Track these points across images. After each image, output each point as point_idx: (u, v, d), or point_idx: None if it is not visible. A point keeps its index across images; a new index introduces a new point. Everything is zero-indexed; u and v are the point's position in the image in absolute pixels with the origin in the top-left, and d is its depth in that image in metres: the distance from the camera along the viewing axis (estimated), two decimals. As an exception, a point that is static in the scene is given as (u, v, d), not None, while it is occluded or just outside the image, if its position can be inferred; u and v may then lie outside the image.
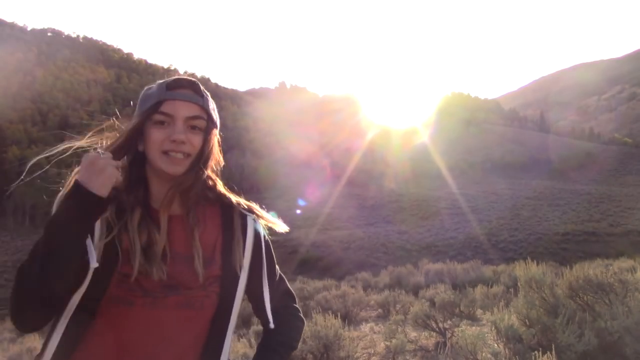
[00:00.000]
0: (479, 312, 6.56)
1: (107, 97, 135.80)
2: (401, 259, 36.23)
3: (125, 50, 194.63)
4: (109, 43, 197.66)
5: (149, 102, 1.12)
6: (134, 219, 1.08)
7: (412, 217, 72.92)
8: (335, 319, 4.80)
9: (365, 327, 7.26)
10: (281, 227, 1.25)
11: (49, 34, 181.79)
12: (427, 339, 5.68)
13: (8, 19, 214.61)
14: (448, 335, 5.49)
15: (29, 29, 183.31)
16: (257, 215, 1.22)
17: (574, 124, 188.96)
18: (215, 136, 1.17)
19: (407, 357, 5.10)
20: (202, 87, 1.16)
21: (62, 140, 1.28)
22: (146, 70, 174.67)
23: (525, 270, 4.07)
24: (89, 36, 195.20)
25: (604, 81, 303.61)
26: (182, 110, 1.10)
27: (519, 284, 4.13)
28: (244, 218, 1.20)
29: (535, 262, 4.26)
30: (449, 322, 5.78)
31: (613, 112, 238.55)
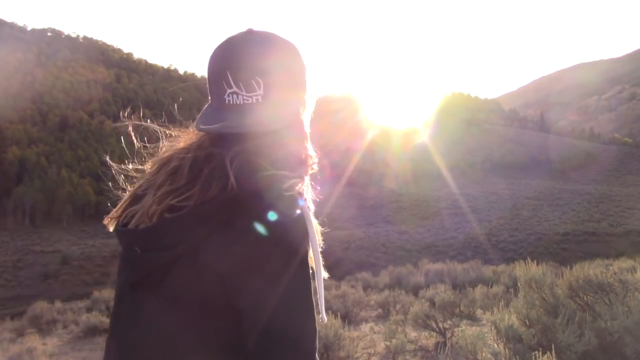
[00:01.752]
0: (479, 312, 6.56)
1: (107, 97, 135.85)
2: (401, 259, 36.23)
3: (125, 50, 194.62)
4: (109, 43, 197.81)
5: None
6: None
7: (412, 217, 72.97)
8: (335, 319, 4.80)
9: (365, 327, 7.26)
10: None
11: (49, 34, 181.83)
12: (427, 339, 5.68)
13: (8, 19, 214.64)
14: (448, 335, 5.49)
15: (29, 29, 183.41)
16: None
17: (574, 124, 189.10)
18: None
19: (407, 357, 5.10)
20: None
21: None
22: (146, 70, 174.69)
23: (525, 270, 4.06)
24: (89, 36, 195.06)
25: (604, 81, 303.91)
26: None
27: (519, 284, 4.13)
28: None
29: (535, 262, 4.25)
30: (449, 322, 5.77)
31: (613, 112, 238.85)
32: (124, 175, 1.01)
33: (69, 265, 58.67)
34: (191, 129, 0.98)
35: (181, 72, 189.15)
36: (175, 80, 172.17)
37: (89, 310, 12.16)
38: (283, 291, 0.76)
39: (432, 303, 6.71)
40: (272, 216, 0.80)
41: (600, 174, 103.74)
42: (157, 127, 1.05)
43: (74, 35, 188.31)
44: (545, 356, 2.68)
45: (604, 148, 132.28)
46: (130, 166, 1.02)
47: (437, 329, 5.66)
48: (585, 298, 3.72)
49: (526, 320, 3.69)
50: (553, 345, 2.99)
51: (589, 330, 3.28)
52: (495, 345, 3.74)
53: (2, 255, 61.33)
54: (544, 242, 58.28)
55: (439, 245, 59.25)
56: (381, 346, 5.46)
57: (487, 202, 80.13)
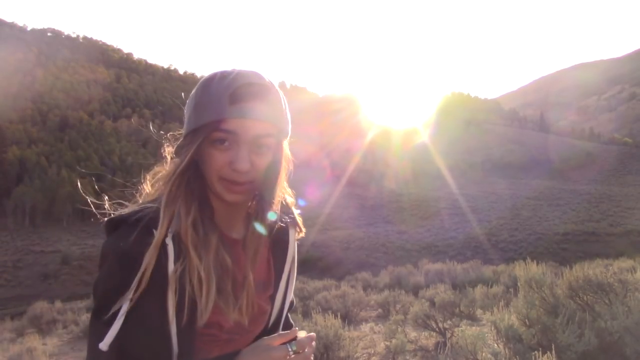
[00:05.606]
0: (479, 312, 6.54)
1: (107, 97, 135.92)
2: (401, 259, 36.26)
3: (125, 50, 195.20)
4: (109, 43, 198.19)
5: (207, 116, 0.87)
6: (210, 248, 0.89)
7: (412, 217, 72.94)
8: (335, 319, 4.80)
9: (365, 327, 7.26)
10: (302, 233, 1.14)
11: (49, 34, 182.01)
12: (427, 339, 5.68)
13: (8, 19, 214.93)
14: (448, 335, 5.48)
15: (29, 29, 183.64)
16: (298, 227, 1.10)
17: (574, 124, 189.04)
18: (286, 147, 0.99)
19: (407, 357, 5.10)
20: (273, 91, 0.91)
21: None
22: (146, 70, 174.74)
23: (525, 270, 4.06)
24: (89, 36, 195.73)
25: (604, 81, 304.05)
26: (249, 129, 0.87)
27: (519, 284, 4.13)
28: (287, 229, 1.08)
29: (535, 262, 4.25)
30: (449, 322, 5.77)
31: (613, 112, 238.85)
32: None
33: (69, 265, 58.64)
34: None
35: (181, 72, 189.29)
36: (175, 80, 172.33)
37: (89, 310, 12.15)
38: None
39: (432, 303, 6.70)
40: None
41: (600, 174, 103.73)
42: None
43: (74, 35, 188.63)
44: (545, 356, 2.68)
45: (604, 148, 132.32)
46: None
47: (437, 329, 5.65)
48: (585, 298, 3.72)
49: (526, 320, 3.69)
50: (553, 345, 2.99)
51: (589, 330, 3.28)
52: (495, 345, 3.74)
53: (2, 255, 61.32)
54: (544, 242, 58.25)
55: (439, 245, 59.23)
56: (381, 346, 5.46)
57: (487, 202, 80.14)
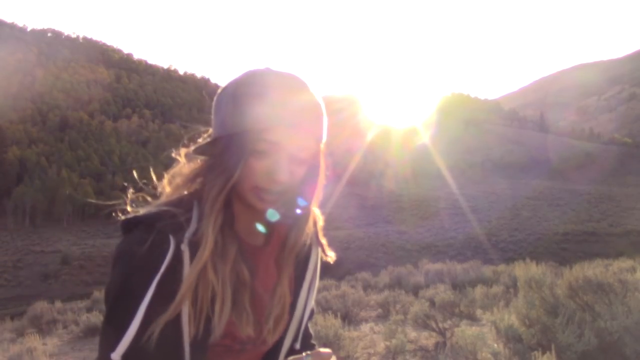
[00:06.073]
0: (479, 312, 6.54)
1: (107, 97, 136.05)
2: (401, 259, 36.27)
3: (125, 51, 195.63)
4: (109, 43, 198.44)
5: (248, 122, 0.79)
6: (228, 260, 0.83)
7: (412, 217, 73.01)
8: (335, 319, 4.80)
9: (365, 327, 7.26)
10: (331, 257, 1.07)
11: (49, 34, 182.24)
12: (427, 339, 5.68)
13: (8, 19, 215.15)
14: (448, 335, 5.49)
15: (29, 29, 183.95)
16: (321, 245, 1.05)
17: (574, 124, 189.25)
18: (322, 155, 0.91)
19: (407, 357, 5.10)
20: (316, 98, 0.85)
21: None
22: (146, 71, 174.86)
23: (525, 270, 4.07)
24: (89, 36, 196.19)
25: (604, 81, 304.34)
26: (293, 139, 0.81)
27: (518, 284, 4.14)
28: (310, 246, 1.03)
29: (535, 262, 4.26)
30: (448, 322, 5.77)
31: (613, 112, 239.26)
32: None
33: (69, 265, 58.68)
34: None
35: (181, 72, 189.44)
36: (175, 80, 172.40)
37: (89, 310, 12.14)
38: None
39: (432, 303, 6.69)
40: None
41: (600, 174, 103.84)
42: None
43: (74, 36, 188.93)
44: (545, 356, 2.68)
45: (604, 148, 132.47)
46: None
47: (437, 329, 5.65)
48: (585, 298, 3.72)
49: (526, 320, 3.69)
50: (553, 345, 2.99)
51: (589, 330, 3.28)
52: (495, 345, 3.74)
53: (2, 255, 61.36)
54: (544, 242, 58.33)
55: (439, 245, 59.28)
56: (381, 346, 5.45)
57: (487, 202, 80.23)
